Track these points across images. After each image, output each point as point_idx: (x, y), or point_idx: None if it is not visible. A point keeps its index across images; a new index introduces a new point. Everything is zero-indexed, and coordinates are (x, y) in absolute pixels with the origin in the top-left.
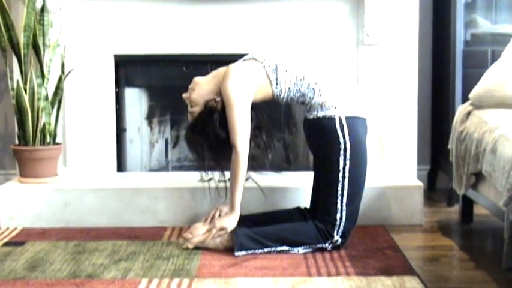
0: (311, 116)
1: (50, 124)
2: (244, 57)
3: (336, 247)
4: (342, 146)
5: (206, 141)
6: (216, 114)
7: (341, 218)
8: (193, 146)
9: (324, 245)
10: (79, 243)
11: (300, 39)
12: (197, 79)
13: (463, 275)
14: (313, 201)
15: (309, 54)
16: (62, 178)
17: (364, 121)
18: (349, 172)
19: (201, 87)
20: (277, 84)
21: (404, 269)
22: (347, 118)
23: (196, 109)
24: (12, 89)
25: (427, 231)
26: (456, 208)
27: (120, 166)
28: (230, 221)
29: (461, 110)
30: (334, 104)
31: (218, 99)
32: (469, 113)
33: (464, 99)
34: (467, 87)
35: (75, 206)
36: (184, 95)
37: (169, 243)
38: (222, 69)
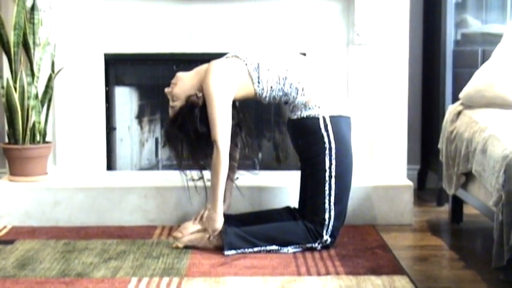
0: (295, 116)
1: (39, 123)
2: (227, 55)
3: (326, 246)
4: (327, 146)
5: (185, 136)
6: (196, 110)
7: (330, 218)
8: (172, 141)
9: (313, 245)
10: (69, 242)
11: (291, 38)
12: (180, 74)
13: (452, 274)
14: (301, 201)
15: (293, 54)
16: (52, 177)
17: (348, 119)
18: (335, 171)
19: (184, 82)
20: (259, 82)
21: (394, 268)
22: (331, 117)
23: (178, 104)
24: (2, 87)
25: (416, 231)
26: (446, 208)
27: (110, 165)
28: (215, 223)
29: (451, 109)
30: (318, 103)
31: (200, 94)
32: (459, 113)
33: (455, 99)
34: (458, 87)
35: (65, 205)
36: (166, 90)
37: (159, 242)
38: (205, 66)
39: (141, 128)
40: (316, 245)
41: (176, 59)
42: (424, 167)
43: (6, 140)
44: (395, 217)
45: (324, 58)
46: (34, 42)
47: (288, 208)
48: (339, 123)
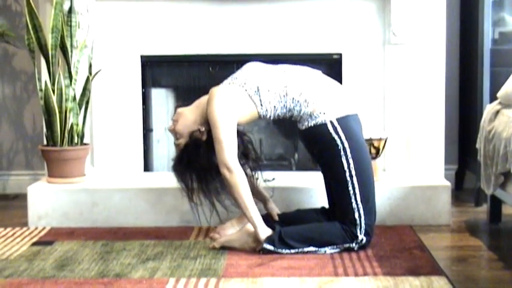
0: (303, 127)
1: (77, 125)
2: (223, 83)
3: (362, 246)
4: (340, 147)
5: (195, 173)
6: (202, 149)
7: (360, 216)
8: (181, 178)
9: (350, 245)
10: (107, 242)
11: (327, 39)
12: (180, 110)
13: (491, 275)
14: (330, 205)
15: (287, 66)
16: (90, 178)
17: (356, 116)
18: (355, 170)
19: (185, 118)
20: (261, 105)
21: (432, 269)
22: (338, 119)
23: (182, 141)
24: (41, 90)
25: (454, 231)
26: (484, 208)
27: (147, 166)
28: (264, 233)
29: (489, 109)
30: (323, 110)
31: (203, 129)
32: (497, 112)
33: (492, 98)
34: (495, 86)
35: (103, 206)
36: (168, 128)
37: (196, 243)
38: (204, 98)
39: None
40: (354, 245)
41: (212, 61)
42: (461, 167)
43: (45, 142)
44: (433, 217)
45: (360, 58)
46: (71, 45)
47: (323, 208)
48: (348, 122)
